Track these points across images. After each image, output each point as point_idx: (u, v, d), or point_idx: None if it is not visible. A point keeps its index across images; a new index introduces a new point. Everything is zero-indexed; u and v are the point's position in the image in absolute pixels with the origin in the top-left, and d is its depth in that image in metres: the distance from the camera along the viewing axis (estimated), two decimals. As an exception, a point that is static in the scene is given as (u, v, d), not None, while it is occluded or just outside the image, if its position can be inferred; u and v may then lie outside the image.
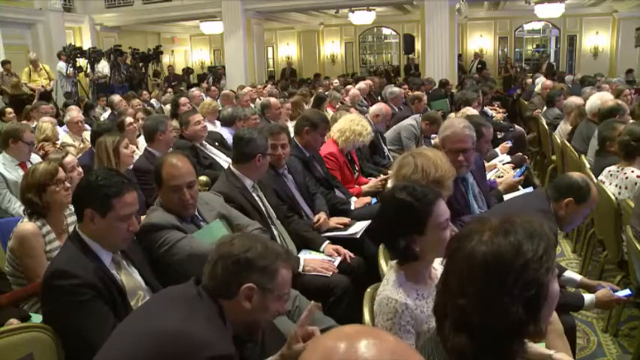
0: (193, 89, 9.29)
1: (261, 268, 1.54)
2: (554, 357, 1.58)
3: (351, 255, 2.91)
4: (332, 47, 18.86)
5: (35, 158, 4.25)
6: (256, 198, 2.94)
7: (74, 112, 5.83)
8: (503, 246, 1.07)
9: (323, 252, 2.95)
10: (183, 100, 6.80)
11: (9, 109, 7.12)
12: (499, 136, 6.08)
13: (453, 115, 5.43)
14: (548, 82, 8.57)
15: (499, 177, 3.98)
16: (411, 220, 1.69)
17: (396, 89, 7.73)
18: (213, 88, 10.81)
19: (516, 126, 7.14)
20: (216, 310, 1.53)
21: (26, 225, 2.49)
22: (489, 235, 1.10)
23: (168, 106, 7.89)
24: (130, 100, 8.10)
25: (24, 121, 6.26)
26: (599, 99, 4.90)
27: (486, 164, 3.94)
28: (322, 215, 3.25)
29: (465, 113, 4.85)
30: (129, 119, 4.98)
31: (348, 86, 9.22)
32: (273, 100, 6.34)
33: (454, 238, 1.19)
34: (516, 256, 1.06)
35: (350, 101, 7.51)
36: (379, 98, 8.57)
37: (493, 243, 1.08)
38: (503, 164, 4.36)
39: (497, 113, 7.74)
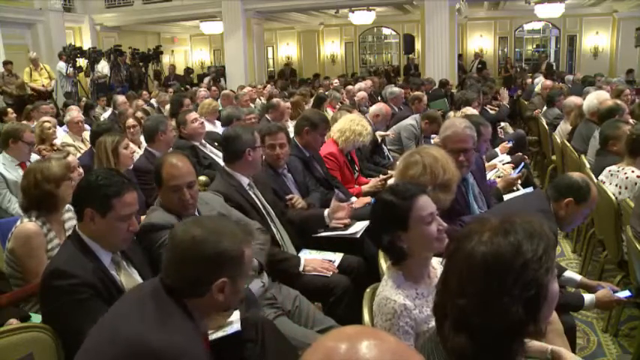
0: (200, 89, 9.27)
1: (230, 259, 1.47)
2: (553, 350, 1.59)
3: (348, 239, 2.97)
4: (332, 47, 18.86)
5: (35, 158, 4.25)
6: (253, 196, 2.93)
7: (74, 112, 5.83)
8: (503, 246, 1.07)
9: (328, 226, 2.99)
10: (186, 101, 6.79)
11: (10, 110, 7.13)
12: (500, 135, 6.09)
13: (451, 114, 5.43)
14: (548, 82, 8.58)
15: (499, 177, 3.98)
16: (393, 216, 1.71)
17: (396, 89, 7.73)
18: (213, 88, 10.80)
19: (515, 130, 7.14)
20: (183, 310, 1.45)
21: (28, 225, 2.47)
22: (489, 235, 1.10)
23: (167, 106, 7.88)
24: (132, 100, 8.10)
25: (24, 121, 6.27)
26: (595, 98, 4.90)
27: (486, 164, 3.94)
28: (295, 196, 3.26)
29: (464, 113, 4.85)
30: (130, 121, 4.98)
31: (349, 87, 9.23)
32: (282, 103, 6.33)
33: (454, 238, 1.19)
34: (516, 256, 1.06)
35: (357, 103, 7.51)
36: (379, 98, 8.57)
37: (493, 243, 1.08)
38: (503, 164, 4.35)
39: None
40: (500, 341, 1.08)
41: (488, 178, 3.73)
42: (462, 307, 1.08)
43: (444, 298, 1.15)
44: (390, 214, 1.72)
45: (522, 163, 4.15)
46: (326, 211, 3.04)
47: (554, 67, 15.62)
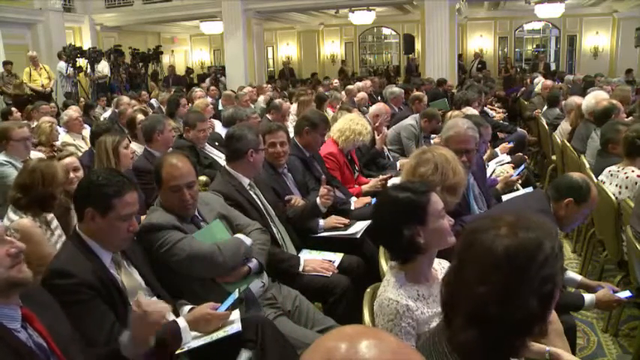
0: (196, 90, 9.26)
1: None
2: (552, 352, 1.59)
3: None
4: (332, 47, 18.87)
5: (35, 155, 4.24)
6: (254, 196, 2.93)
7: (70, 112, 5.85)
8: (527, 240, 1.10)
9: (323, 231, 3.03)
10: (183, 100, 6.80)
11: (15, 109, 7.14)
12: (500, 137, 6.10)
13: (451, 113, 5.43)
14: (549, 82, 8.57)
15: (502, 173, 3.98)
16: (412, 211, 1.70)
17: (396, 89, 7.73)
18: (212, 88, 10.78)
19: (518, 128, 7.15)
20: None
21: (22, 221, 2.51)
22: (510, 229, 1.12)
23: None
24: (131, 99, 8.10)
25: (25, 121, 6.28)
26: (593, 98, 4.90)
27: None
28: (294, 197, 3.28)
29: (464, 113, 4.85)
30: (140, 116, 4.99)
31: (349, 87, 9.22)
32: (284, 104, 6.29)
33: (467, 231, 1.20)
34: (538, 251, 1.09)
35: (357, 104, 7.49)
36: (379, 98, 8.57)
37: (517, 236, 1.11)
38: (503, 164, 4.35)
39: (497, 113, 7.75)
40: (509, 337, 1.10)
41: (489, 174, 3.73)
42: (482, 294, 1.09)
43: (457, 289, 1.16)
44: (408, 209, 1.70)
45: (523, 165, 4.14)
46: (318, 199, 3.04)
47: (554, 67, 15.62)
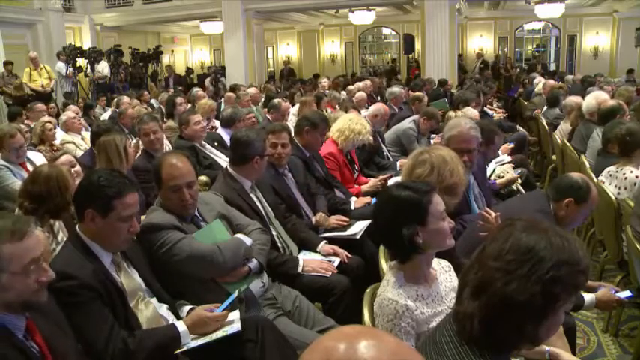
0: (198, 90, 9.22)
1: None
2: (551, 352, 1.59)
3: (349, 255, 2.91)
4: (332, 47, 18.87)
5: (35, 157, 4.24)
6: (255, 199, 2.93)
7: (68, 112, 5.85)
8: (556, 243, 1.13)
9: (319, 252, 2.93)
10: (179, 99, 6.76)
11: (23, 110, 7.14)
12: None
13: (452, 113, 5.44)
14: (551, 82, 8.57)
15: (499, 177, 3.99)
16: (413, 211, 1.69)
17: (396, 89, 7.73)
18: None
19: (520, 128, 7.14)
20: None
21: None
22: (544, 232, 1.15)
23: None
24: (132, 98, 8.10)
25: (25, 121, 6.30)
26: (594, 98, 4.90)
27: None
28: (321, 214, 3.25)
29: (465, 113, 4.86)
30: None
31: (350, 86, 9.19)
32: (283, 103, 6.30)
33: (506, 224, 1.22)
34: (562, 254, 1.11)
35: (356, 103, 7.46)
36: (379, 98, 8.56)
37: (548, 236, 1.13)
38: (503, 164, 4.35)
39: (497, 113, 7.75)
40: (504, 320, 1.11)
41: (489, 174, 3.73)
42: (493, 268, 1.12)
43: (473, 265, 1.19)
44: (409, 209, 1.69)
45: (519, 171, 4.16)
46: (320, 245, 2.98)
47: (554, 67, 15.60)
